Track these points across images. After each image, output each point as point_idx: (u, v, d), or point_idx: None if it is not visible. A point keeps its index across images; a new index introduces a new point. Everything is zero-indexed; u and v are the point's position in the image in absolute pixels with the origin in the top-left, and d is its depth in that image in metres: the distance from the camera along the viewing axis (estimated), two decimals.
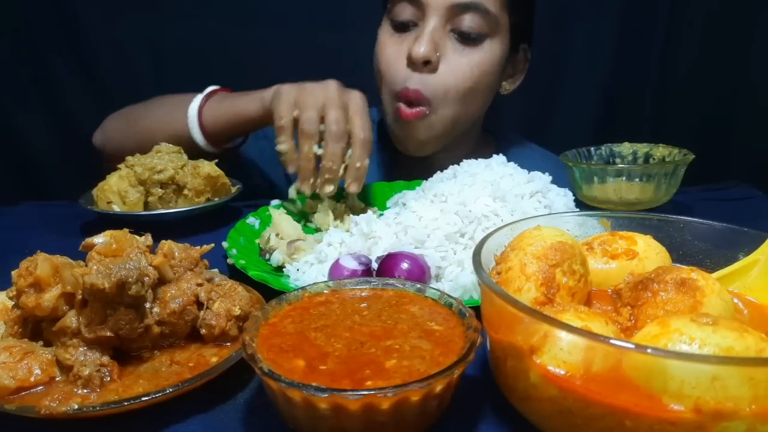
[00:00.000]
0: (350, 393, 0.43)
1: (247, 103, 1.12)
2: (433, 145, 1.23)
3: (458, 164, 0.97)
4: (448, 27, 1.12)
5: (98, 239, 0.60)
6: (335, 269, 0.75)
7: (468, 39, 1.12)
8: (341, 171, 0.98)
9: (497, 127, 1.43)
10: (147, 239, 0.63)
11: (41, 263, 0.55)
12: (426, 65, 1.11)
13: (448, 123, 1.18)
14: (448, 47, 1.12)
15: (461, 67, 1.13)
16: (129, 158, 1.05)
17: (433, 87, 1.13)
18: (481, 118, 1.32)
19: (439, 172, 0.99)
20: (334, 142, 0.96)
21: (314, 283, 0.60)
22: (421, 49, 1.09)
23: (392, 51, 1.16)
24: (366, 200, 1.11)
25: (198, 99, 1.17)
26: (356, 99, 1.01)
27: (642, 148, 1.15)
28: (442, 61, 1.12)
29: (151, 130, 1.18)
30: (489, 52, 1.15)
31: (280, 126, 0.98)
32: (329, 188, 0.98)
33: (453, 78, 1.13)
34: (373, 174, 1.35)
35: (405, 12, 1.13)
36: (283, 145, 0.99)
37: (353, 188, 0.99)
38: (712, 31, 1.91)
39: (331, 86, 1.00)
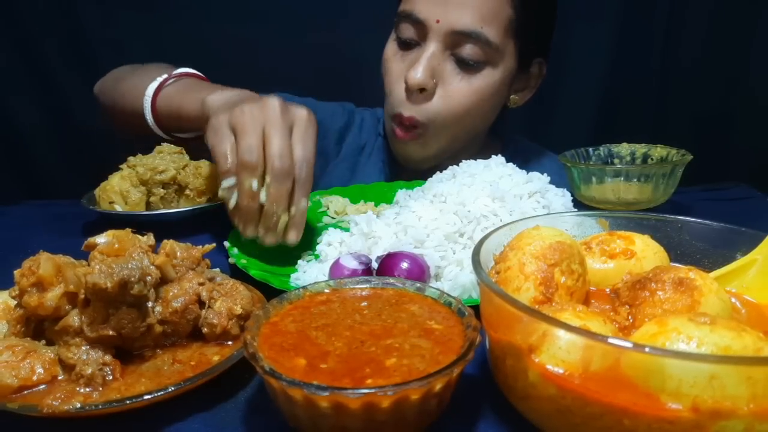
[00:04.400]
0: (351, 391, 0.43)
1: (191, 103, 0.97)
2: (432, 160, 1.23)
3: (457, 164, 0.98)
4: (447, 52, 1.12)
5: (100, 239, 0.60)
6: (335, 269, 0.75)
7: (467, 65, 1.12)
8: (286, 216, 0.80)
9: (504, 129, 1.43)
10: (149, 239, 0.63)
11: (44, 263, 0.55)
12: (421, 92, 1.12)
13: (444, 143, 1.20)
14: (446, 71, 1.13)
15: (458, 93, 1.13)
16: (131, 158, 1.05)
17: (427, 114, 1.14)
18: (487, 128, 1.31)
19: (438, 172, 0.99)
20: (277, 182, 0.77)
21: (315, 283, 0.60)
22: (417, 76, 1.09)
23: (395, 68, 1.17)
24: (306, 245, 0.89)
25: (158, 80, 1.10)
26: (302, 120, 0.81)
27: (640, 149, 1.15)
28: (439, 85, 1.13)
29: (123, 95, 1.17)
30: (489, 78, 1.14)
31: (225, 170, 0.78)
32: (271, 239, 0.81)
33: (448, 105, 1.14)
34: (376, 174, 1.35)
35: (408, 31, 1.14)
36: (229, 192, 0.80)
37: (292, 237, 0.81)
38: (711, 31, 1.91)
39: (272, 104, 0.79)
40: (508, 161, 0.95)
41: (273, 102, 0.79)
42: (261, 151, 0.77)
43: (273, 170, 0.76)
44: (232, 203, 0.79)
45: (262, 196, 0.77)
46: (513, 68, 1.18)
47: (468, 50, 1.10)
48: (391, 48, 1.19)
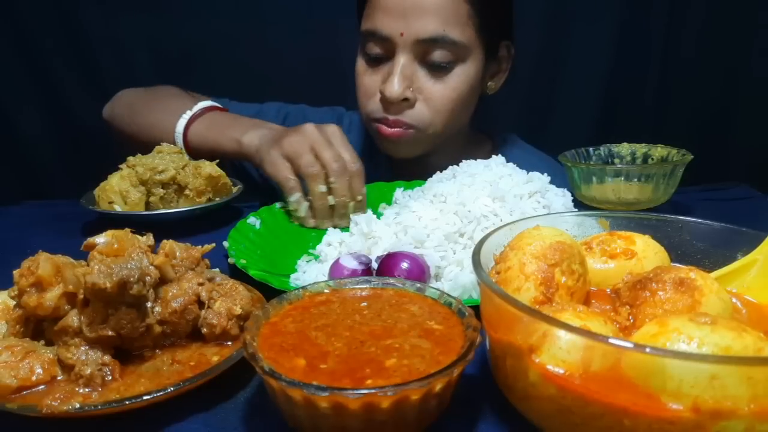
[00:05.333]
0: (350, 392, 0.43)
1: (227, 142, 1.14)
2: (419, 153, 1.25)
3: (457, 165, 0.98)
4: (417, 60, 1.14)
5: (100, 239, 0.60)
6: (335, 269, 0.75)
7: (439, 68, 1.14)
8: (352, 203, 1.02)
9: (492, 126, 1.43)
10: (148, 239, 0.63)
11: (43, 263, 0.55)
12: (404, 101, 1.14)
13: (432, 138, 1.21)
14: (420, 78, 1.15)
15: (438, 95, 1.16)
16: (130, 158, 1.05)
17: (412, 118, 1.17)
18: (469, 118, 1.33)
19: (438, 172, 0.99)
20: (339, 178, 0.99)
21: (315, 283, 0.60)
22: (395, 89, 1.12)
23: (369, 82, 1.19)
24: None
25: (185, 117, 1.20)
26: (336, 133, 1.03)
27: (640, 149, 1.15)
28: (417, 93, 1.15)
29: (145, 129, 1.24)
30: (463, 74, 1.17)
31: (291, 188, 0.99)
32: (345, 222, 1.00)
33: (432, 108, 1.16)
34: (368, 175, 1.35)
35: (375, 48, 1.16)
36: (299, 203, 1.00)
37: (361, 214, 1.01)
38: (711, 31, 1.91)
39: (309, 129, 1.02)
40: None
41: (309, 127, 1.02)
42: (318, 164, 0.99)
43: (333, 172, 0.99)
44: (302, 211, 1.00)
45: (330, 199, 1.00)
46: (482, 59, 1.20)
47: (437, 55, 1.12)
48: (361, 65, 1.22)
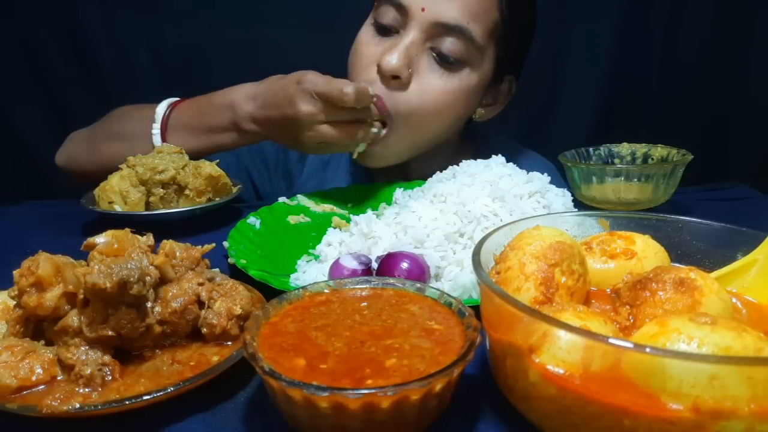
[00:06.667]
0: (350, 392, 0.43)
1: (223, 138, 1.10)
2: (392, 159, 1.17)
3: (457, 165, 0.98)
4: (428, 44, 1.06)
5: (100, 239, 0.60)
6: (335, 269, 0.75)
7: (446, 62, 1.06)
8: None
9: (475, 127, 1.35)
10: (148, 239, 0.63)
11: (43, 263, 0.55)
12: (394, 79, 1.05)
13: (405, 145, 1.13)
14: (423, 65, 1.06)
15: (433, 89, 1.07)
16: (130, 158, 1.05)
17: (397, 103, 1.06)
18: (458, 133, 1.27)
19: (438, 172, 0.99)
20: (361, 101, 0.97)
21: (315, 283, 0.60)
22: (393, 61, 1.02)
23: (368, 52, 1.09)
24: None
25: (156, 128, 1.13)
26: (315, 77, 0.98)
27: (641, 149, 1.15)
28: (414, 78, 1.06)
29: (115, 158, 1.09)
30: (466, 80, 1.09)
31: (349, 93, 0.95)
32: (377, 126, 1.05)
33: (421, 99, 1.07)
34: (344, 181, 1.34)
35: (388, 15, 1.07)
36: (334, 130, 1.00)
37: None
38: (711, 31, 1.91)
39: (289, 79, 1.00)
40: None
41: (288, 78, 1.01)
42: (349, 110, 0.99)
43: (331, 95, 0.96)
44: (360, 147, 1.08)
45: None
46: (489, 76, 1.13)
47: (449, 45, 1.04)
48: (366, 32, 1.12)
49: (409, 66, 1.05)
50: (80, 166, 1.23)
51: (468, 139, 1.36)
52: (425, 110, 1.08)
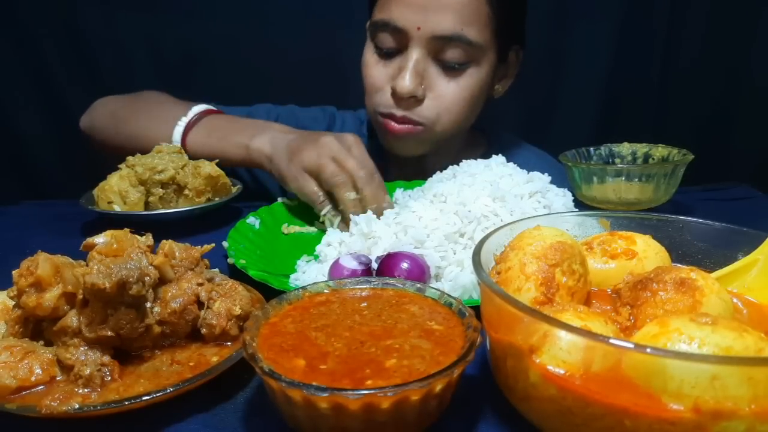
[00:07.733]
0: (350, 392, 0.43)
1: (232, 148, 1.11)
2: (423, 152, 1.23)
3: (457, 164, 0.98)
4: (431, 57, 1.12)
5: (99, 239, 0.60)
6: (335, 269, 0.75)
7: (451, 69, 1.12)
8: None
9: (489, 124, 1.42)
10: (148, 239, 0.63)
11: (42, 263, 0.55)
12: (412, 98, 1.12)
13: (438, 137, 1.19)
14: (432, 75, 1.13)
15: (448, 95, 1.14)
16: (129, 158, 1.05)
17: (420, 115, 1.14)
18: (474, 120, 1.32)
19: (438, 172, 0.99)
20: (367, 185, 0.95)
21: (314, 283, 0.60)
22: (407, 84, 1.09)
23: (378, 74, 1.17)
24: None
25: (182, 125, 1.16)
26: (355, 143, 0.99)
27: (641, 149, 1.15)
28: (428, 90, 1.13)
29: (136, 138, 1.18)
30: (475, 77, 1.15)
31: (321, 202, 0.98)
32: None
33: (439, 108, 1.14)
34: None
35: (387, 40, 1.13)
36: (332, 216, 0.98)
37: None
38: (712, 31, 1.91)
39: (328, 140, 0.98)
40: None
41: (327, 138, 0.98)
42: (344, 173, 0.95)
43: (360, 179, 0.95)
44: (335, 224, 0.97)
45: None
46: (494, 62, 1.19)
47: (451, 53, 1.10)
48: (370, 57, 1.18)
49: (421, 83, 1.12)
50: (101, 137, 1.27)
51: (480, 133, 1.41)
52: (449, 114, 1.16)
